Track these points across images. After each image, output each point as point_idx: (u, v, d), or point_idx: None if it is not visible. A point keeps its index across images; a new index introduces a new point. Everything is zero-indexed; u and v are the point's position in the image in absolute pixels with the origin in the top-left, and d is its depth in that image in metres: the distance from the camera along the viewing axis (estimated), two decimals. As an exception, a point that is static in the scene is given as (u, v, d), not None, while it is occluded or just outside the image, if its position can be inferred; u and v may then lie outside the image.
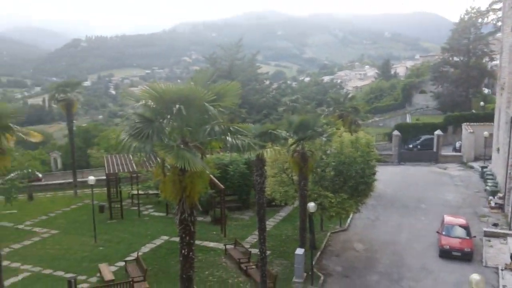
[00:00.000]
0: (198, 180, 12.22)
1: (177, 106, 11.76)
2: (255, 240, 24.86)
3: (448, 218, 27.19)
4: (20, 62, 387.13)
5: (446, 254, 24.73)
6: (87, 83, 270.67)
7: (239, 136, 12.80)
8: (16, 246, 27.31)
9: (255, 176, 18.30)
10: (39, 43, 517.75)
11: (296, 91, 67.44)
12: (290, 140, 22.38)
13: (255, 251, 22.86)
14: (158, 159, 12.44)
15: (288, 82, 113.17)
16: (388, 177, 39.46)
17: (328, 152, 25.60)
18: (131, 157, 33.29)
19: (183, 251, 12.95)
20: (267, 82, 71.44)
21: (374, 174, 25.73)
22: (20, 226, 31.02)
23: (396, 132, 49.80)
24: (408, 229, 29.46)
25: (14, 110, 15.05)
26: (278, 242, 27.48)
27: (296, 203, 25.81)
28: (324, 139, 23.05)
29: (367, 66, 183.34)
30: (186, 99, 11.82)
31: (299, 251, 22.59)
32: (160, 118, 12.47)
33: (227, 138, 12.55)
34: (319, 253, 25.66)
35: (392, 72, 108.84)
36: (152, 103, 12.07)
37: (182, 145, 12.29)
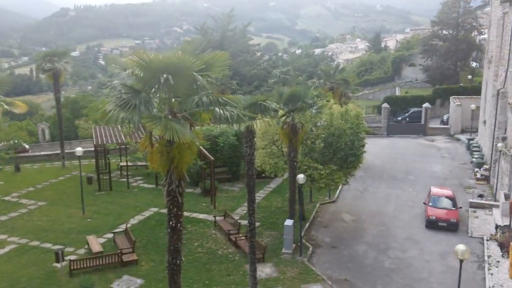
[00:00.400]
0: (186, 152, 12.05)
1: (165, 75, 11.48)
2: (245, 211, 24.97)
3: (434, 190, 27.51)
4: (7, 31, 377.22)
5: (432, 224, 25.11)
6: (75, 53, 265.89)
7: (227, 107, 12.59)
8: (3, 218, 27.18)
9: (245, 147, 18.17)
10: (27, 12, 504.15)
11: (287, 63, 66.69)
12: (281, 112, 22.20)
13: (244, 222, 22.98)
14: (146, 130, 12.20)
15: (280, 54, 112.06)
16: (377, 149, 39.68)
17: (319, 124, 25.55)
18: (120, 128, 32.93)
19: (170, 223, 12.89)
20: (259, 54, 70.49)
21: (363, 146, 25.83)
22: (7, 198, 30.77)
23: (385, 105, 49.99)
24: (396, 200, 29.81)
25: (-2, 80, 14.56)
26: (268, 214, 27.66)
27: (286, 175, 25.87)
28: (314, 111, 22.90)
29: (358, 39, 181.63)
30: (174, 68, 11.53)
31: (288, 222, 22.78)
32: (147, 88, 12.19)
33: (216, 109, 12.33)
34: (308, 224, 25.89)
35: (383, 45, 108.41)
36: (139, 72, 11.75)
37: (170, 116, 12.08)
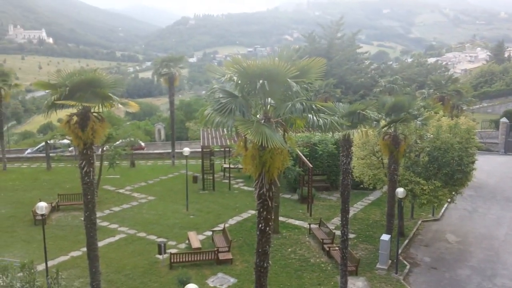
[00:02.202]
0: (278, 157, 12.22)
1: (260, 81, 11.79)
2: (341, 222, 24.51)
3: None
4: (134, 38, 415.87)
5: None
6: (193, 60, 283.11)
7: (322, 114, 12.53)
8: (116, 209, 29.75)
9: (341, 156, 17.88)
10: (152, 20, 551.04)
11: (396, 72, 64.05)
12: (382, 122, 21.46)
13: (339, 232, 22.53)
14: (241, 134, 12.64)
15: (390, 62, 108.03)
16: (491, 167, 36.50)
17: (425, 137, 24.19)
18: (225, 131, 34.32)
19: (260, 226, 13.14)
20: (367, 62, 68.79)
21: (473, 162, 23.87)
22: (121, 191, 33.66)
23: (504, 119, 45.66)
24: (509, 224, 27.11)
25: (114, 81, 16.03)
26: (364, 226, 26.85)
27: (385, 187, 24.89)
28: (419, 122, 21.72)
29: (478, 48, 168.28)
30: (269, 74, 11.79)
31: (385, 237, 21.89)
32: (243, 93, 12.62)
33: (309, 115, 12.34)
34: (406, 241, 24.65)
35: (506, 55, 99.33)
36: (237, 78, 12.24)
37: (263, 121, 12.37)
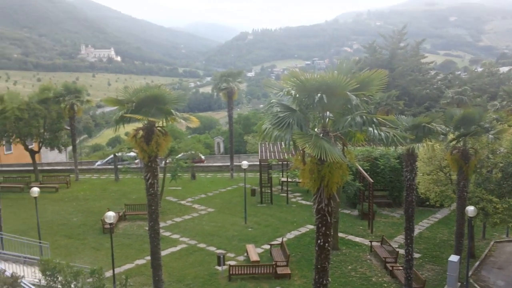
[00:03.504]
0: (337, 171, 11.87)
1: (319, 94, 11.55)
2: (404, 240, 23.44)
3: None
4: (195, 54, 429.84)
5: None
6: (251, 74, 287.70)
7: (383, 127, 12.03)
8: (178, 219, 30.37)
9: (405, 171, 17.13)
10: (212, 37, 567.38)
11: (465, 83, 60.91)
12: (450, 136, 20.34)
13: (403, 251, 21.53)
14: (299, 148, 12.42)
15: (457, 72, 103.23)
16: None
17: (498, 152, 22.66)
18: (283, 145, 34.24)
19: (318, 241, 12.80)
20: (432, 73, 66.03)
21: (554, 180, 21.96)
22: (182, 202, 34.40)
23: None
24: None
25: (177, 97, 16.56)
26: (431, 246, 25.48)
27: (454, 205, 23.51)
28: (491, 136, 20.36)
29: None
30: (328, 87, 11.53)
31: (454, 258, 20.60)
32: (301, 107, 12.42)
33: (370, 129, 11.90)
34: (477, 262, 23.09)
35: None
36: (294, 92, 12.07)
37: (322, 135, 12.08)
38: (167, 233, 27.34)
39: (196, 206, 33.35)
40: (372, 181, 28.23)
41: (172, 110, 16.42)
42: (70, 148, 45.14)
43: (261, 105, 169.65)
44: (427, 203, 26.39)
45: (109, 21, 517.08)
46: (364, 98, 12.30)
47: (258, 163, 36.07)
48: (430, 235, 27.14)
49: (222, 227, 28.71)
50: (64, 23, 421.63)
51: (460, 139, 20.37)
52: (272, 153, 35.17)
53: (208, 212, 31.86)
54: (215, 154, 54.94)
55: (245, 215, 29.47)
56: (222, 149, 56.49)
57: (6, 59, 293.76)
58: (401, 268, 21.53)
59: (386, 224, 28.91)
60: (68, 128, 43.16)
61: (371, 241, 25.25)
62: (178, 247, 25.45)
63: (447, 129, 19.76)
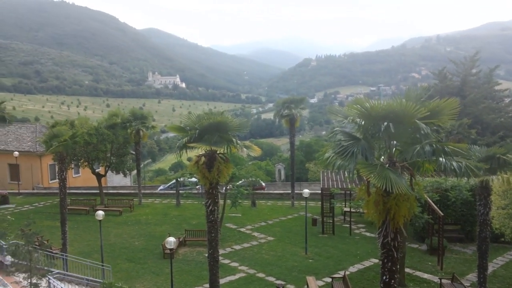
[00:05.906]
0: (404, 204, 11.23)
1: (385, 123, 11.09)
2: (477, 279, 21.70)
3: None
4: (258, 81, 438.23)
5: None
6: (314, 100, 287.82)
7: (454, 157, 11.28)
8: (237, 247, 30.11)
9: (478, 205, 15.99)
10: (275, 63, 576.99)
11: (544, 111, 56.98)
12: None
13: (475, 291, 19.95)
14: (363, 178, 11.94)
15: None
16: None
17: None
18: (346, 174, 33.42)
19: (384, 277, 12.09)
20: (507, 100, 62.34)
21: None
22: (242, 229, 34.15)
23: None
24: None
25: (239, 124, 16.68)
26: (506, 286, 23.36)
27: (534, 243, 21.57)
28: None
29: None
30: (395, 116, 11.04)
31: (534, 301, 18.72)
32: (366, 135, 11.99)
33: (440, 159, 11.20)
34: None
35: None
36: (359, 120, 11.68)
37: (388, 165, 11.53)
38: (226, 261, 27.17)
39: (255, 234, 33.02)
40: (442, 214, 26.61)
41: (233, 139, 16.52)
42: (134, 172, 46.81)
43: (324, 132, 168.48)
44: (502, 239, 24.40)
45: (175, 49, 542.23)
46: (434, 127, 11.66)
47: (319, 191, 35.31)
48: (506, 273, 24.95)
49: (281, 256, 28.13)
50: (134, 51, 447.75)
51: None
52: (335, 182, 34.34)
53: (267, 241, 31.41)
54: (276, 181, 54.75)
55: (306, 245, 28.73)
56: (283, 176, 56.21)
57: (78, 85, 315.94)
58: (475, 310, 19.91)
59: (457, 261, 27.00)
60: (133, 153, 44.85)
61: (440, 279, 23.56)
62: (237, 276, 25.13)
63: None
